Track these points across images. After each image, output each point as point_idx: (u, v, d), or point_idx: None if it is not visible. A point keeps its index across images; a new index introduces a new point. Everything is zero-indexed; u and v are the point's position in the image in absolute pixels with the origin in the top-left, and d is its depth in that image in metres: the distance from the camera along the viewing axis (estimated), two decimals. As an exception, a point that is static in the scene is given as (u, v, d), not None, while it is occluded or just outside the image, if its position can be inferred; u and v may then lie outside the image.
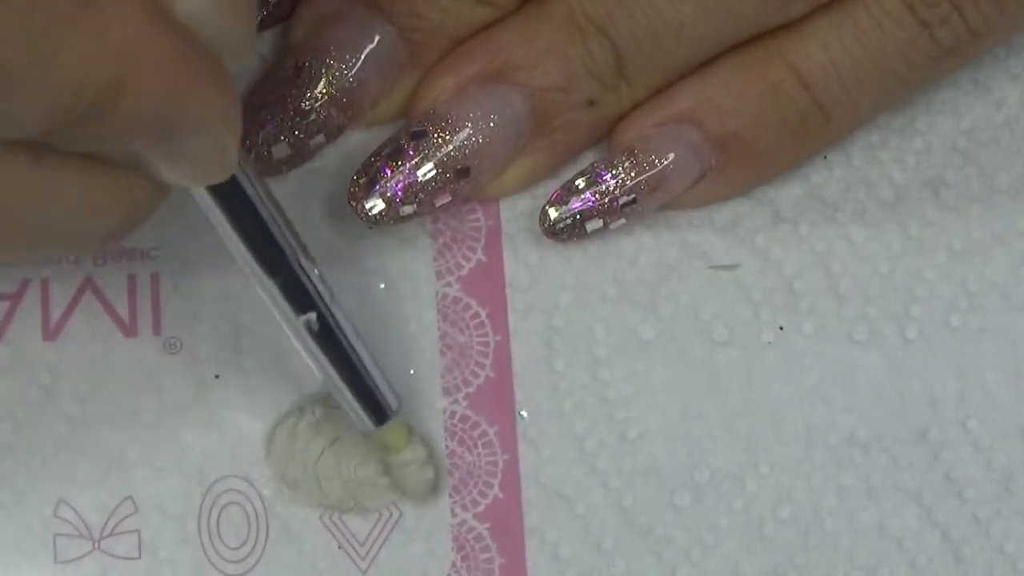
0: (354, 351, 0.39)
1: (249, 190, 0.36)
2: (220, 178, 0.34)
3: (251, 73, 0.42)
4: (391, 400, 0.39)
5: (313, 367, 0.39)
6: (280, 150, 0.41)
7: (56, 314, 0.41)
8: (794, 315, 0.43)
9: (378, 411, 0.39)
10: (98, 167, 0.33)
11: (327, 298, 0.38)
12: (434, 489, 0.41)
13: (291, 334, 0.38)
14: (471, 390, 0.42)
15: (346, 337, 0.38)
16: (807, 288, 0.43)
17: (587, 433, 0.42)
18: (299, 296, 0.37)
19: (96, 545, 0.40)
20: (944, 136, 0.44)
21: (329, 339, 0.38)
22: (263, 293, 0.37)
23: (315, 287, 0.38)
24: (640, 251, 0.43)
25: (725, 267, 0.43)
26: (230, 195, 0.35)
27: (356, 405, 0.39)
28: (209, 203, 0.36)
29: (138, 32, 0.30)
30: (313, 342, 0.38)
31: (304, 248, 0.37)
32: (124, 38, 0.30)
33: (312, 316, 0.38)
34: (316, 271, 0.38)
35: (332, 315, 0.38)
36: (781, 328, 0.43)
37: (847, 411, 0.42)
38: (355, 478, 0.41)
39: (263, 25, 0.42)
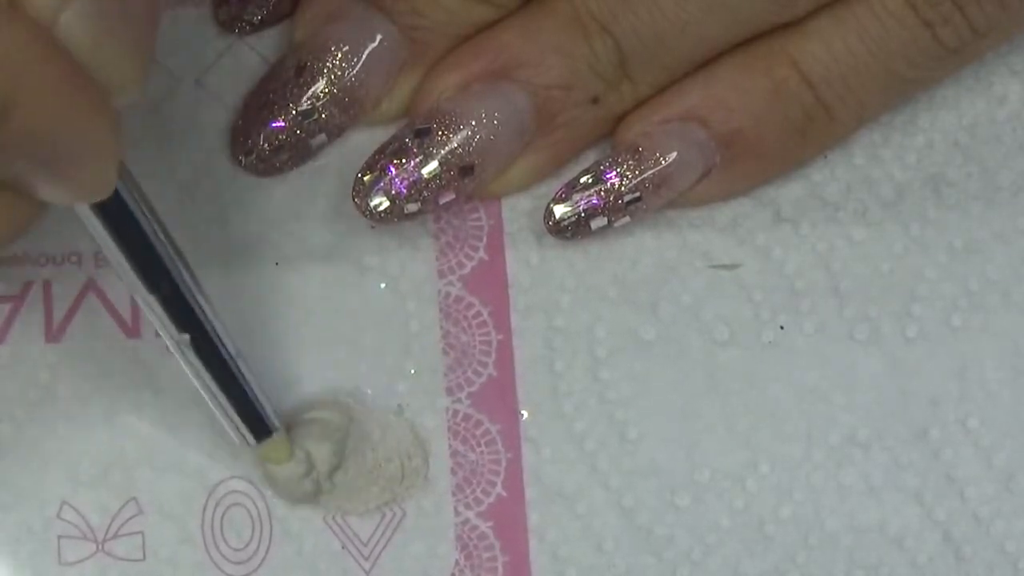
0: (237, 367, 0.39)
1: (132, 206, 0.36)
2: (99, 197, 0.34)
3: (253, 73, 0.42)
4: (272, 417, 0.40)
5: (195, 382, 0.39)
6: (282, 149, 0.41)
7: (59, 315, 0.41)
8: (795, 314, 0.43)
9: (259, 427, 0.39)
10: None
11: (209, 314, 0.38)
12: (314, 497, 0.41)
13: (172, 349, 0.38)
14: (473, 389, 0.42)
15: (228, 353, 0.38)
16: (808, 287, 0.43)
17: (587, 433, 0.42)
18: (180, 312, 0.37)
19: (100, 547, 0.40)
20: (945, 133, 0.44)
21: (210, 355, 0.38)
22: (144, 308, 0.37)
23: (197, 303, 0.38)
24: (641, 251, 0.43)
25: (726, 267, 0.43)
26: (112, 211, 0.35)
27: (237, 420, 0.39)
28: (90, 218, 0.35)
29: (25, 55, 0.30)
30: (195, 357, 0.38)
31: (187, 265, 0.37)
32: (11, 61, 0.30)
33: (187, 336, 0.38)
34: (199, 287, 0.38)
35: (214, 331, 0.38)
36: (782, 328, 0.43)
37: (848, 410, 0.42)
38: (357, 478, 0.41)
39: (263, 24, 0.42)
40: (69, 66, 0.31)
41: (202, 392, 0.39)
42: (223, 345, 0.38)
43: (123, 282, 0.37)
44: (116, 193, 0.34)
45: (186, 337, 0.38)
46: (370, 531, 0.41)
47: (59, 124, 0.31)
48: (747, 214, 0.43)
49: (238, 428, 0.39)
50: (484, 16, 0.41)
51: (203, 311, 0.38)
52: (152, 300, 0.37)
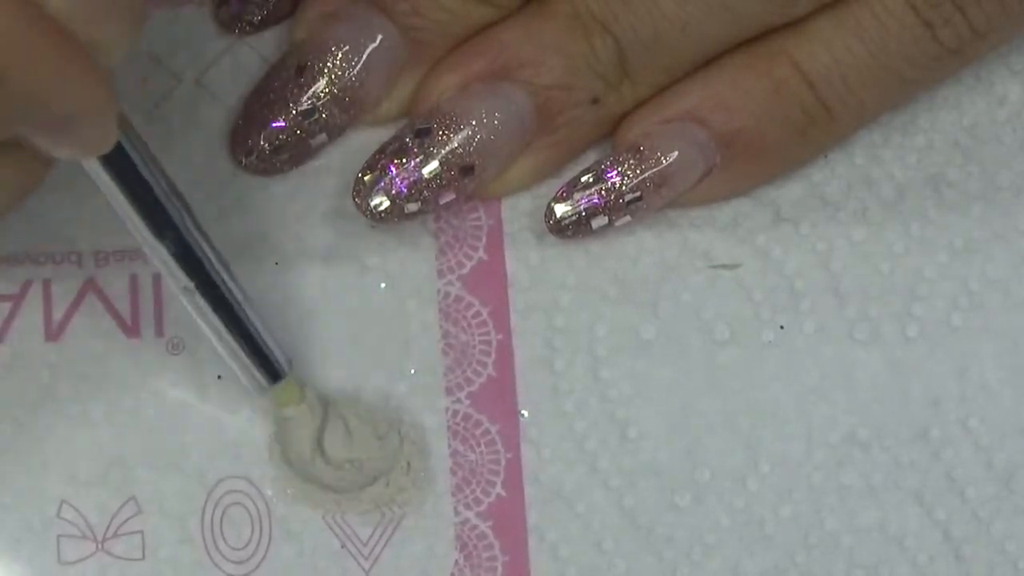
0: (244, 313, 0.39)
1: (136, 159, 0.37)
2: (100, 152, 0.35)
3: (253, 73, 0.42)
4: (281, 360, 0.40)
5: (205, 329, 0.39)
6: (282, 149, 0.41)
7: (58, 315, 0.41)
8: (795, 314, 0.43)
9: (270, 370, 0.40)
10: None
11: (215, 262, 0.39)
12: (314, 460, 0.41)
13: (182, 297, 0.39)
14: (473, 389, 0.42)
15: (236, 300, 0.39)
16: (808, 287, 0.43)
17: (588, 433, 0.42)
18: (188, 259, 0.38)
19: (99, 546, 0.40)
20: (946, 133, 0.44)
21: (217, 301, 0.39)
22: (153, 258, 0.38)
23: (204, 251, 0.38)
24: (641, 251, 0.43)
25: (726, 266, 0.43)
26: (117, 164, 0.37)
27: (248, 364, 0.40)
28: (98, 172, 0.37)
29: (14, 24, 0.31)
30: (205, 304, 0.39)
31: (192, 214, 0.38)
32: (2, 32, 0.31)
33: (193, 283, 0.38)
34: (204, 236, 0.38)
35: (220, 278, 0.39)
36: (782, 327, 0.43)
37: (848, 410, 0.43)
38: (358, 476, 0.41)
39: (264, 24, 0.42)
40: (56, 32, 0.32)
41: (213, 340, 0.39)
42: (230, 291, 0.39)
43: (131, 232, 0.37)
44: (120, 147, 0.36)
45: (191, 284, 0.38)
46: (369, 530, 0.41)
47: (51, 87, 0.32)
48: (747, 214, 0.43)
49: (251, 373, 0.40)
50: (485, 16, 0.41)
51: (209, 258, 0.38)
52: (160, 249, 0.38)
